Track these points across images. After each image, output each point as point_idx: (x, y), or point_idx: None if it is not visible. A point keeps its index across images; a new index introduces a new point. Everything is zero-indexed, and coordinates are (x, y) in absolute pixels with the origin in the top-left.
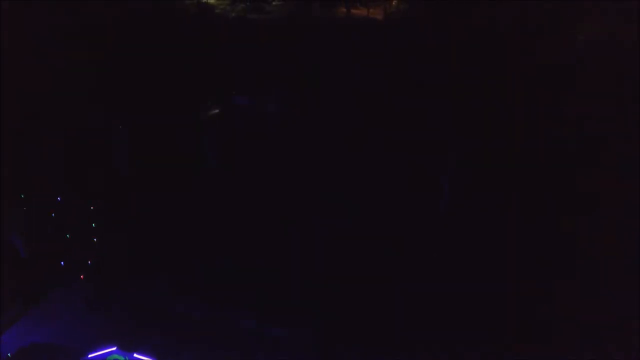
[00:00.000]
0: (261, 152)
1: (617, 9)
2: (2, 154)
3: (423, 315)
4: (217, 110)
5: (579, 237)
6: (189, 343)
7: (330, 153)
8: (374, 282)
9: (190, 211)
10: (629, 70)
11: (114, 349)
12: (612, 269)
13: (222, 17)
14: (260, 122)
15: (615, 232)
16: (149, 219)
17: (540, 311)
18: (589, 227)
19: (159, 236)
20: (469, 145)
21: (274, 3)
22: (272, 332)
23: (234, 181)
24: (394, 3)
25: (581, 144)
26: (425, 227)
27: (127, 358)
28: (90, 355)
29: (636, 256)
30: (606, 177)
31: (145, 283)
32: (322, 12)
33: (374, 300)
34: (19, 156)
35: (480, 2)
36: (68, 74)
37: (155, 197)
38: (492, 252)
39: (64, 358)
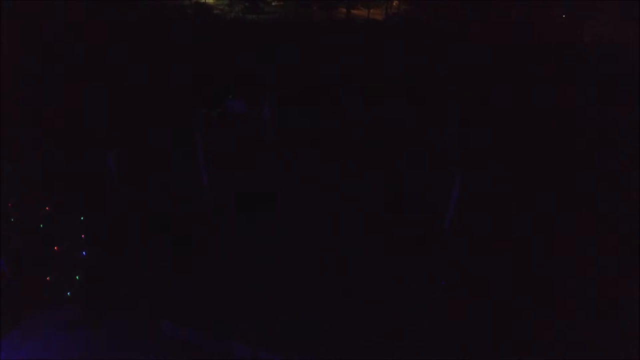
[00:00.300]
0: (257, 163)
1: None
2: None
3: (423, 336)
4: (211, 117)
5: (583, 239)
6: None
7: (331, 164)
8: (374, 306)
9: (184, 226)
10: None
11: None
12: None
13: (220, 17)
14: (256, 129)
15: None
16: (140, 233)
17: (541, 315)
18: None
19: (151, 252)
20: (475, 153)
21: (273, 4)
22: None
23: (228, 194)
24: (395, 4)
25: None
26: (426, 244)
27: None
28: None
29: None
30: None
31: (135, 303)
32: (322, 12)
33: (372, 326)
34: (8, 162)
35: (483, 2)
36: (58, 78)
37: (148, 211)
38: (497, 263)
39: None
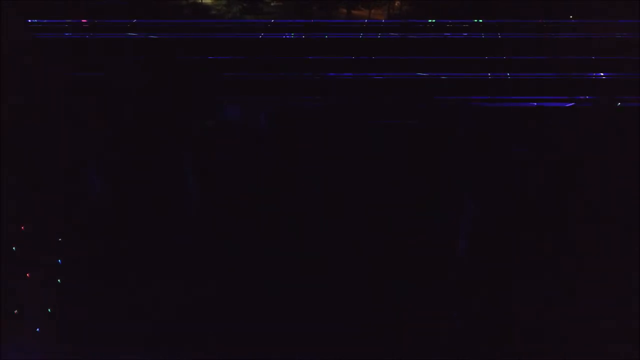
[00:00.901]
0: (254, 178)
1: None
2: None
3: None
4: (204, 125)
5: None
6: None
7: (334, 181)
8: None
9: (173, 248)
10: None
11: None
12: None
13: (218, 18)
14: (254, 138)
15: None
16: (124, 257)
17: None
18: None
19: (137, 278)
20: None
21: (272, 4)
22: None
23: (221, 214)
24: (396, 4)
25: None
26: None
27: None
28: None
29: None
30: None
31: (117, 338)
32: (322, 13)
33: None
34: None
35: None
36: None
37: (133, 231)
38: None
39: None
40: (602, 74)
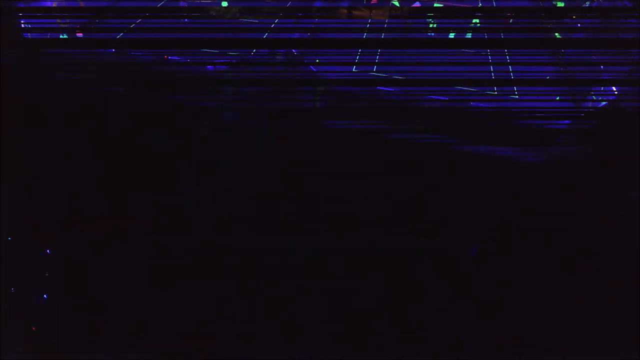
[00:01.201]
0: (253, 187)
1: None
2: None
3: None
4: (201, 130)
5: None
6: None
7: (336, 197)
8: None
9: (165, 263)
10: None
11: None
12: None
13: (216, 18)
14: (252, 142)
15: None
16: (115, 273)
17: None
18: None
19: (128, 296)
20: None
21: (271, 4)
22: None
23: (218, 226)
24: (398, 4)
25: None
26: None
27: None
28: None
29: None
30: None
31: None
32: (322, 13)
33: None
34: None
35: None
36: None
37: (125, 244)
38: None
39: None
40: (607, 76)
